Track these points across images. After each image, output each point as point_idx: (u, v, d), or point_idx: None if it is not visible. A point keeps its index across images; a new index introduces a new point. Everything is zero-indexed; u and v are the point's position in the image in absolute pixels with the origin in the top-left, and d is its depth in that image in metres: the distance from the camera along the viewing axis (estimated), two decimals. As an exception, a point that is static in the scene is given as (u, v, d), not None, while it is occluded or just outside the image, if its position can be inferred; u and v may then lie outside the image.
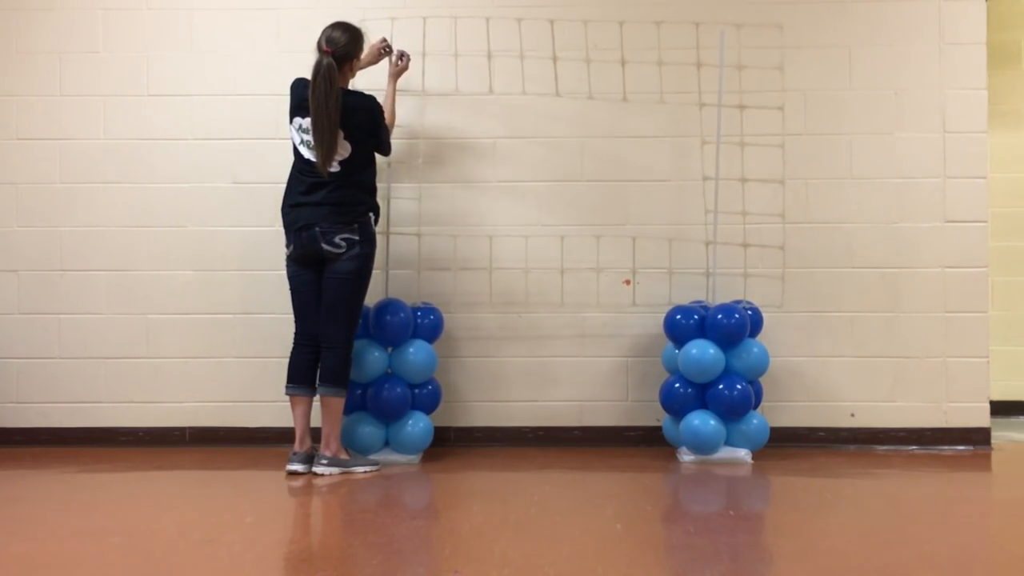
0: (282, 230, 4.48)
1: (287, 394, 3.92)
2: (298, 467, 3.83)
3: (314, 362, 3.92)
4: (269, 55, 4.52)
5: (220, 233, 4.50)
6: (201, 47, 4.53)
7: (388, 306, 4.06)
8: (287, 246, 3.95)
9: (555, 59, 4.42)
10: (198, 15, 4.53)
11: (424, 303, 4.29)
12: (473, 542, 2.75)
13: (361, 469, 3.87)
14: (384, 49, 4.16)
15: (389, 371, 4.08)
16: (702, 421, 4.02)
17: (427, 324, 4.17)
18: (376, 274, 4.36)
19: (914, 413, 4.42)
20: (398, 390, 3.99)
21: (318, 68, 3.74)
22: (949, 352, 4.43)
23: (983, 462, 4.18)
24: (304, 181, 3.88)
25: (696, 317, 4.14)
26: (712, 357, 4.01)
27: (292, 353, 3.96)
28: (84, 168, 4.51)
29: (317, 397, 3.90)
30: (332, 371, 3.83)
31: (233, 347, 4.49)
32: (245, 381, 4.48)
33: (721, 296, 4.31)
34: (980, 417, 4.42)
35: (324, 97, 3.72)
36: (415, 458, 4.09)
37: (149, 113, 4.52)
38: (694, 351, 4.04)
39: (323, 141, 3.74)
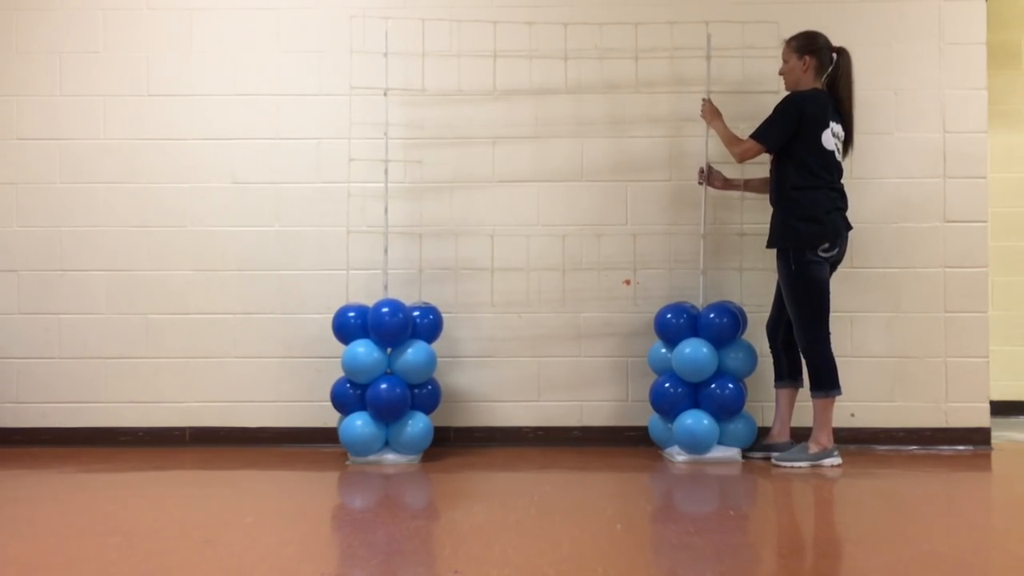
0: (282, 230, 4.50)
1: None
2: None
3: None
4: (269, 55, 4.52)
5: (220, 233, 4.50)
6: (201, 47, 4.52)
7: (387, 306, 4.06)
8: (830, 250, 3.93)
9: (561, 59, 4.43)
10: (198, 15, 4.53)
11: (423, 303, 4.29)
12: (473, 542, 2.75)
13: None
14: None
15: (389, 371, 4.08)
16: (695, 421, 4.03)
17: (426, 324, 4.17)
18: (376, 274, 4.37)
19: (914, 413, 4.41)
20: (398, 390, 3.99)
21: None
22: (949, 352, 4.43)
23: (983, 462, 4.18)
24: (836, 187, 4.01)
25: (687, 316, 4.15)
26: (706, 356, 4.02)
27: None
28: (84, 168, 4.51)
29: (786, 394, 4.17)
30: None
31: (233, 347, 4.49)
32: (245, 381, 4.48)
33: (719, 296, 4.31)
34: (980, 417, 4.42)
35: None
36: (415, 458, 4.09)
37: (149, 113, 4.52)
38: (687, 350, 4.04)
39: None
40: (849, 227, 4.03)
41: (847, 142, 4.05)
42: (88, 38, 4.53)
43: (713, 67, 4.34)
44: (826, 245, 3.91)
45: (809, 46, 3.99)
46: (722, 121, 4.17)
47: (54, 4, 4.53)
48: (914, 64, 4.45)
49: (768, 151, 4.04)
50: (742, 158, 4.07)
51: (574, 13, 4.44)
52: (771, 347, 4.17)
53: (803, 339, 3.98)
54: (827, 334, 3.98)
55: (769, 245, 4.06)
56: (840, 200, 4.02)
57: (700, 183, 4.30)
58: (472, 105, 4.48)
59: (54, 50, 4.53)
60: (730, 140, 4.11)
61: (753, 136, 4.01)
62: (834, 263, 4.02)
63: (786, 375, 4.12)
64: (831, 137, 3.96)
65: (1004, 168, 5.56)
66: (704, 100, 4.24)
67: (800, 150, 3.93)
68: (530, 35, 4.44)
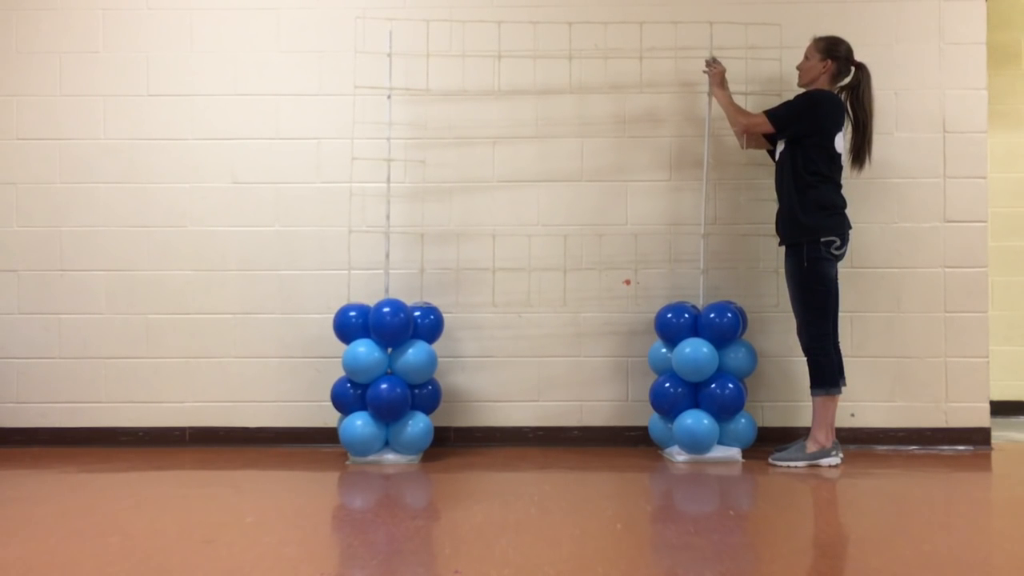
0: (283, 230, 4.50)
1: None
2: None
3: None
4: (269, 55, 4.52)
5: (220, 233, 4.50)
6: (201, 47, 4.52)
7: (388, 306, 4.06)
8: (841, 247, 3.96)
9: (565, 58, 4.43)
10: (198, 15, 4.53)
11: (424, 303, 4.29)
12: (473, 542, 2.75)
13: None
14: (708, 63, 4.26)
15: (389, 371, 4.08)
16: (695, 420, 4.03)
17: (427, 324, 4.17)
18: (377, 274, 4.38)
19: (914, 413, 4.42)
20: (398, 390, 3.99)
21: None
22: (949, 352, 4.43)
23: (983, 462, 4.18)
24: (841, 187, 4.06)
25: (687, 316, 4.15)
26: (707, 356, 4.02)
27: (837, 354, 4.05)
28: (84, 168, 4.51)
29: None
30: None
31: (233, 347, 4.49)
32: (245, 381, 4.48)
33: (719, 296, 4.31)
34: (980, 417, 4.42)
35: None
36: (415, 458, 4.09)
37: (149, 113, 4.52)
38: (688, 350, 4.04)
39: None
40: (850, 227, 4.05)
41: (863, 152, 4.07)
42: (88, 38, 4.53)
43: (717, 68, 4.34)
44: (838, 242, 3.95)
45: (833, 52, 4.03)
46: (727, 91, 4.20)
47: (54, 4, 4.54)
48: (914, 64, 4.45)
49: (776, 134, 4.05)
50: (746, 130, 4.11)
51: (578, 12, 4.44)
52: None
53: (807, 336, 4.00)
54: (831, 331, 4.00)
55: (783, 242, 4.07)
56: (844, 200, 4.05)
57: (705, 71, 4.27)
58: (475, 105, 4.48)
59: (54, 50, 4.53)
60: (736, 110, 4.14)
61: (766, 112, 4.03)
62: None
63: None
64: (841, 141, 4.00)
65: (1004, 168, 5.56)
66: (711, 62, 4.25)
67: (814, 146, 3.96)
68: (534, 35, 4.44)
